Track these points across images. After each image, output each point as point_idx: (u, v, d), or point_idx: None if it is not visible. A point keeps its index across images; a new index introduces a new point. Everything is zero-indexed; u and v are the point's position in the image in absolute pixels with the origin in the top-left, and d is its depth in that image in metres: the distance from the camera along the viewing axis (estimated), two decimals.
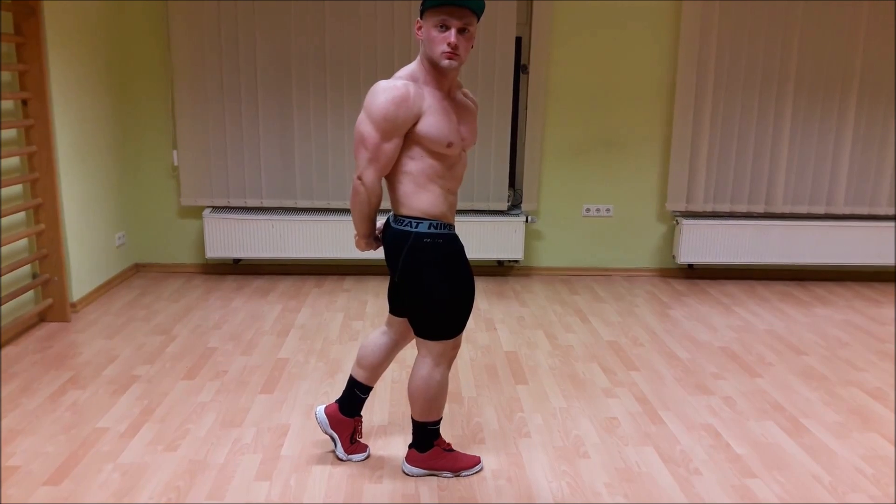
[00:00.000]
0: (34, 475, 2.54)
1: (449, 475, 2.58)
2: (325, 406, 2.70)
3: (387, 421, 2.99)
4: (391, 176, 2.36)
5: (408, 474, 2.59)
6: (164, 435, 2.84)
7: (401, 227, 2.36)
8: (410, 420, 2.57)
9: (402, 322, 2.60)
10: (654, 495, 2.50)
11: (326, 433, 2.69)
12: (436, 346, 2.42)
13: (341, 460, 2.67)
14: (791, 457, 2.77)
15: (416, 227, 2.33)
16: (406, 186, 2.33)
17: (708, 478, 2.61)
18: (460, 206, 5.00)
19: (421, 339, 2.44)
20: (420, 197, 2.33)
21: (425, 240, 2.33)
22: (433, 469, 2.58)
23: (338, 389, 3.27)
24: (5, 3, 3.57)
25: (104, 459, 2.65)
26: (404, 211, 2.35)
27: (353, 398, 2.67)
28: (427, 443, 2.56)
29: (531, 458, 2.72)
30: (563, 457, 2.74)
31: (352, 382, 2.67)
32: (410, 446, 2.60)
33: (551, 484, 2.55)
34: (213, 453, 2.71)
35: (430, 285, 2.35)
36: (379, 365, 2.64)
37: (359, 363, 2.65)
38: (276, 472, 2.60)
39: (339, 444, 2.68)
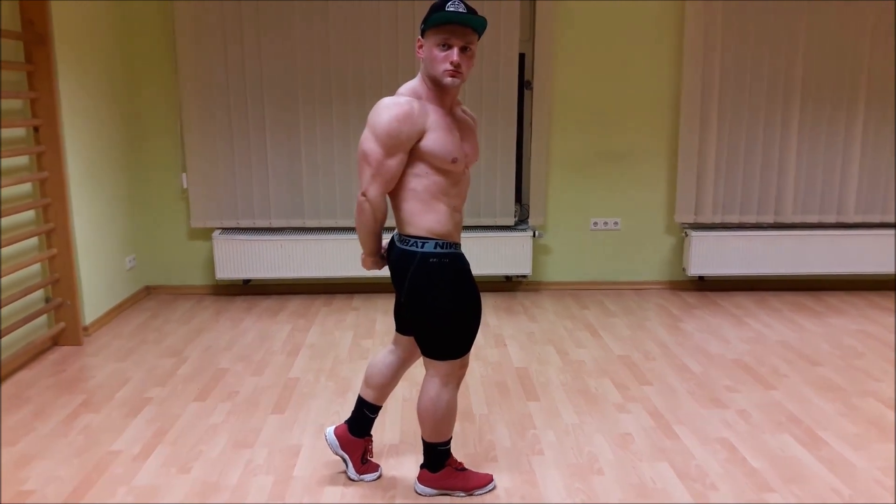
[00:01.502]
0: (49, 499, 2.54)
1: (462, 495, 2.57)
2: (334, 427, 2.70)
3: (398, 440, 2.98)
4: (396, 194, 2.34)
5: (420, 494, 2.58)
6: (176, 457, 2.84)
7: (406, 247, 2.34)
8: (421, 440, 2.55)
9: (409, 340, 2.59)
10: None
11: (337, 454, 2.68)
12: (443, 365, 2.41)
13: (353, 481, 2.66)
14: (808, 470, 2.74)
15: (422, 246, 2.32)
16: (411, 205, 2.32)
17: (724, 493, 2.58)
18: (467, 221, 5.01)
19: (428, 359, 2.44)
20: (426, 216, 2.32)
21: (431, 259, 2.32)
22: (445, 489, 2.57)
23: (348, 408, 3.27)
24: (16, 33, 3.62)
25: (118, 482, 2.65)
26: (410, 230, 2.34)
27: (362, 418, 2.66)
28: (439, 463, 2.55)
29: (545, 476, 2.70)
30: (576, 474, 2.72)
31: (360, 402, 2.66)
32: (422, 466, 2.59)
33: (566, 502, 2.53)
34: (225, 475, 2.71)
35: (436, 305, 2.33)
36: (387, 384, 2.64)
37: (367, 383, 2.65)
38: (288, 493, 2.59)
39: (350, 465, 2.67)
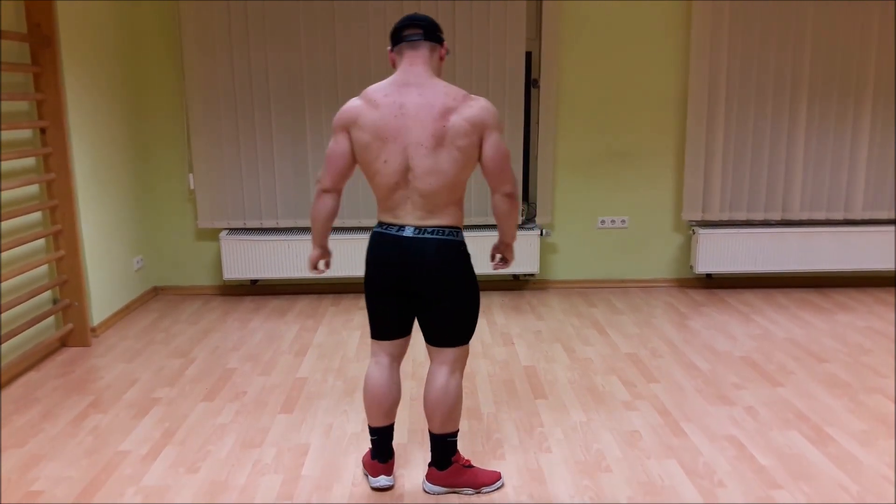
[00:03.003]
0: (57, 500, 2.55)
1: (470, 492, 2.57)
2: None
3: (406, 439, 2.98)
4: (459, 186, 2.38)
5: (429, 493, 2.58)
6: (185, 457, 2.85)
7: (454, 238, 2.40)
8: (430, 436, 2.55)
9: (397, 344, 2.55)
10: None
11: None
12: (459, 351, 2.48)
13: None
14: (816, 467, 2.73)
15: (458, 235, 2.42)
16: (461, 195, 2.42)
17: (732, 490, 2.58)
18: (474, 220, 5.01)
19: (442, 349, 2.46)
20: (462, 208, 2.45)
21: (463, 248, 2.43)
22: (454, 486, 2.57)
23: (356, 407, 3.27)
24: (22, 34, 3.63)
25: (126, 483, 2.66)
26: (453, 221, 2.40)
27: (388, 442, 2.61)
28: (446, 459, 2.55)
29: (552, 474, 2.70)
30: (584, 471, 2.72)
31: (389, 432, 2.60)
32: (430, 465, 2.59)
33: (573, 499, 2.53)
34: (234, 475, 2.72)
35: (470, 290, 2.44)
36: (399, 399, 2.61)
37: (387, 414, 2.56)
38: (296, 492, 2.59)
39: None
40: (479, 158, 2.36)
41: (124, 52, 4.73)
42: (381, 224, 2.44)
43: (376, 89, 2.34)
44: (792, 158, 4.99)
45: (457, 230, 2.41)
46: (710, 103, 4.91)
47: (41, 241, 3.95)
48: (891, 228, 5.03)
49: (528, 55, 4.97)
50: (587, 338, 4.20)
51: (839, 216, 5.07)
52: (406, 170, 2.32)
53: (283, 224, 4.98)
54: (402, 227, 2.38)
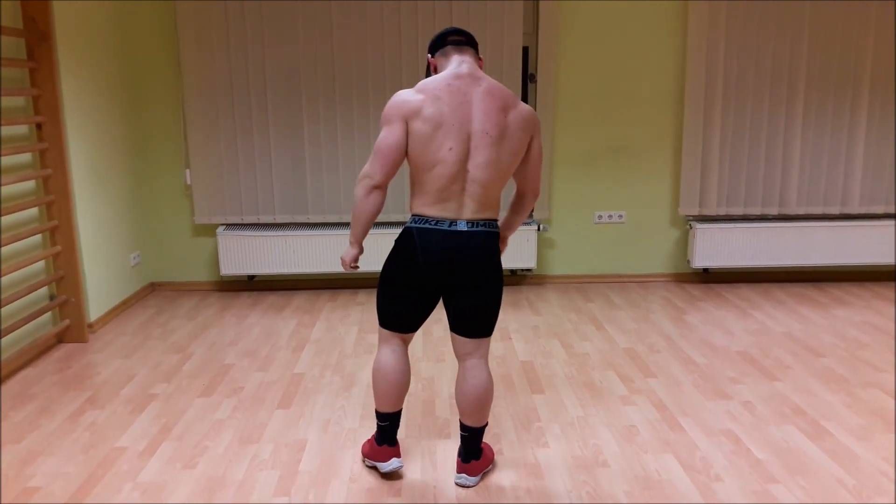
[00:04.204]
0: (55, 496, 2.55)
1: (489, 468, 2.68)
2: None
3: (403, 434, 2.98)
4: (504, 180, 2.41)
5: (468, 486, 2.58)
6: (182, 453, 2.85)
7: (497, 230, 2.45)
8: (465, 431, 2.55)
9: (410, 334, 2.59)
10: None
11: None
12: (489, 340, 2.52)
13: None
14: (813, 461, 2.74)
15: (498, 227, 2.48)
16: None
17: (729, 484, 2.58)
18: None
19: (479, 340, 2.48)
20: None
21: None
22: (485, 469, 2.65)
23: (354, 403, 3.27)
24: (18, 30, 3.62)
25: (124, 479, 2.66)
26: (497, 214, 2.46)
27: (395, 429, 2.66)
28: (479, 448, 2.60)
29: (550, 468, 2.70)
30: (582, 466, 2.72)
31: (396, 418, 2.64)
32: (468, 460, 2.57)
33: (571, 494, 2.53)
34: (231, 470, 2.72)
35: (502, 279, 2.48)
36: (408, 383, 2.64)
37: (400, 399, 2.60)
38: (294, 487, 2.60)
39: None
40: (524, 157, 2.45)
41: (121, 48, 4.72)
42: (423, 218, 2.38)
43: (437, 81, 2.33)
44: (789, 153, 4.99)
45: (497, 222, 2.47)
46: (707, 98, 4.90)
47: (37, 237, 3.94)
48: (887, 223, 5.03)
49: (526, 50, 4.96)
50: (585, 333, 4.21)
51: (836, 211, 5.08)
52: (467, 158, 2.31)
53: (280, 220, 4.98)
54: (454, 222, 2.36)
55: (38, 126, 3.84)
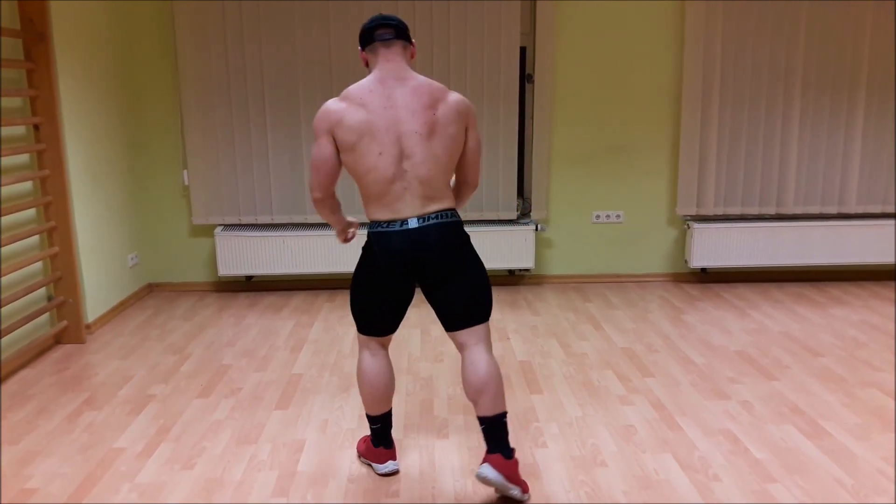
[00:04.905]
0: (53, 496, 2.55)
1: (517, 493, 2.43)
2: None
3: (401, 434, 2.98)
4: (451, 173, 2.45)
5: (487, 480, 2.37)
6: (180, 454, 2.84)
7: (455, 219, 2.44)
8: (485, 422, 2.43)
9: (388, 337, 2.59)
10: (674, 502, 2.48)
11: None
12: (488, 327, 2.50)
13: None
14: (811, 460, 2.74)
15: (457, 216, 2.47)
16: (450, 181, 2.49)
17: (728, 484, 2.58)
18: (471, 215, 5.02)
19: (473, 328, 2.46)
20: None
21: (463, 227, 2.48)
22: (511, 480, 2.40)
23: (352, 403, 3.27)
24: (15, 30, 3.61)
25: (121, 480, 2.66)
26: (450, 204, 2.44)
27: (389, 430, 2.65)
28: (506, 442, 2.43)
29: (548, 469, 2.70)
30: (580, 466, 2.72)
31: (387, 419, 2.64)
32: (491, 452, 2.41)
33: (569, 494, 2.53)
34: (229, 471, 2.71)
35: (480, 265, 2.48)
36: (393, 384, 2.63)
37: (387, 401, 2.60)
38: (292, 488, 2.59)
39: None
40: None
41: (118, 48, 4.71)
42: (378, 223, 2.40)
43: (359, 88, 2.34)
44: (786, 153, 4.99)
45: (454, 211, 2.45)
46: (704, 98, 4.91)
47: (35, 238, 3.93)
48: (885, 222, 5.04)
49: (523, 50, 4.96)
50: (583, 333, 4.21)
51: (833, 210, 5.08)
52: (402, 159, 2.33)
53: (277, 220, 4.97)
54: (404, 221, 2.37)
55: (36, 127, 3.84)
